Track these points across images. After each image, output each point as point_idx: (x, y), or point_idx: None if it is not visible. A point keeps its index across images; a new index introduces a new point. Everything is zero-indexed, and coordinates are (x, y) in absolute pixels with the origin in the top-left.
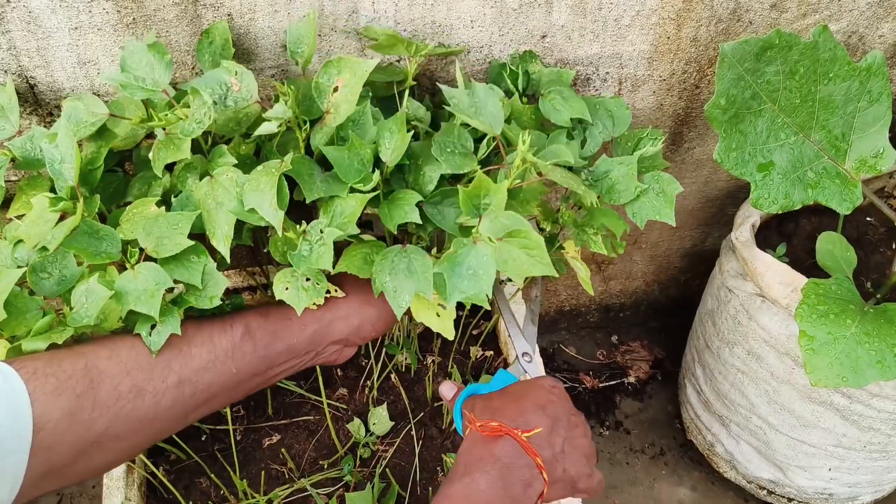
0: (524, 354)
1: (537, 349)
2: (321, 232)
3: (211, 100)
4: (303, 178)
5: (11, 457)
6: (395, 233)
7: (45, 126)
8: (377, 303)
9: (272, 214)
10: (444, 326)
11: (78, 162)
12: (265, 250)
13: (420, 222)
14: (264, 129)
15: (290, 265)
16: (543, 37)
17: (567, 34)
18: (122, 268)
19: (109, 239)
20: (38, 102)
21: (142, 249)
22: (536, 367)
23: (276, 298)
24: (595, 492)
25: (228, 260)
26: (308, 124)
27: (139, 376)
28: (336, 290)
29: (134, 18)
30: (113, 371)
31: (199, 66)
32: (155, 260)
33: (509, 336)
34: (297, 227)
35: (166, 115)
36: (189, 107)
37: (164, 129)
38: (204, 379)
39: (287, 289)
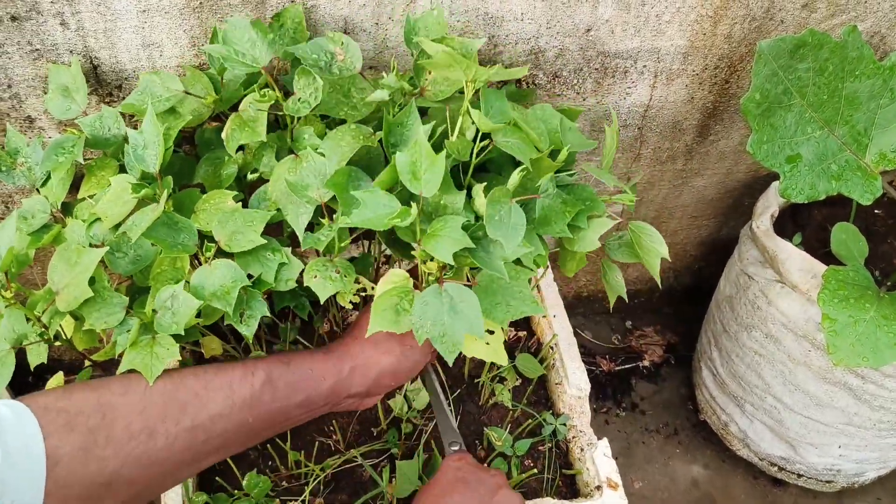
0: (451, 443)
1: (458, 434)
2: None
3: (317, 72)
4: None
5: (25, 495)
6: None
7: (107, 104)
8: (398, 352)
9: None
10: (497, 354)
11: (163, 150)
12: None
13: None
14: (377, 96)
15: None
16: (588, 30)
17: (611, 28)
18: (195, 259)
19: (187, 231)
20: (99, 82)
21: (216, 242)
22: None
23: (304, 285)
24: None
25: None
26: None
27: (152, 416)
28: (371, 287)
29: (200, 3)
30: (126, 408)
31: None
32: (229, 255)
33: (437, 425)
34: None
35: (269, 91)
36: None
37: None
38: (218, 426)
39: (315, 276)
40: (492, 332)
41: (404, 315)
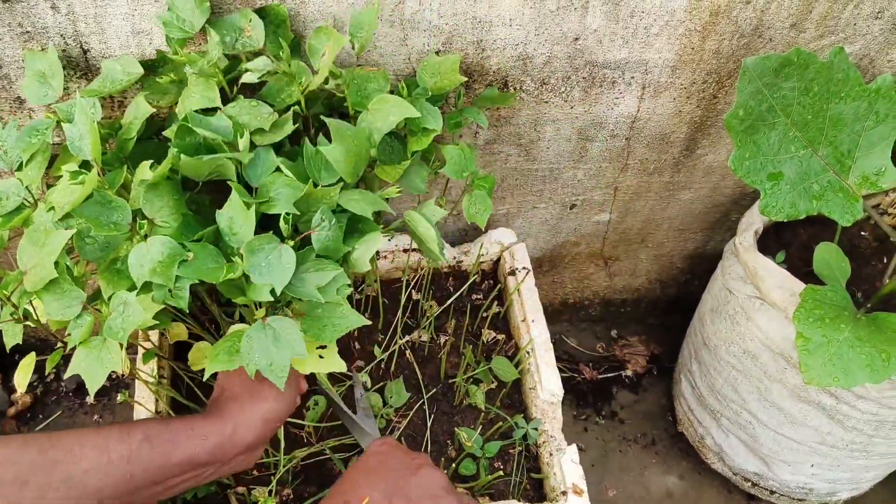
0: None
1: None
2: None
3: (221, 47)
4: None
5: None
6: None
7: None
8: (272, 395)
9: None
10: (332, 363)
11: (95, 138)
12: None
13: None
14: (247, 77)
15: None
16: (576, 39)
17: (599, 38)
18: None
19: (120, 210)
20: (88, 68)
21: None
22: None
23: None
24: None
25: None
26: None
27: (25, 467)
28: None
29: None
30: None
31: None
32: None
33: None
34: None
35: (188, 53)
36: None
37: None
38: (92, 480)
39: None
40: (324, 347)
41: (236, 354)
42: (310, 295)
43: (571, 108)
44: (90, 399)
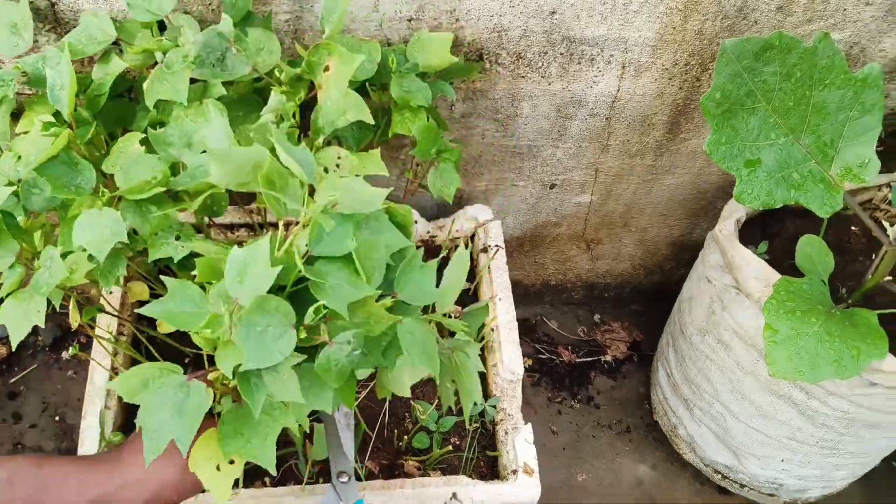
0: (340, 474)
1: (352, 463)
2: None
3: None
4: None
5: None
6: None
7: None
8: (181, 459)
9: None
10: (220, 485)
11: (73, 91)
12: None
13: None
14: (264, 119)
15: None
16: (553, 13)
17: (576, 12)
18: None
19: (85, 174)
20: (57, 21)
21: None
22: (352, 488)
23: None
24: None
25: None
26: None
27: None
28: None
29: None
30: None
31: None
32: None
33: (329, 451)
34: None
35: (161, 40)
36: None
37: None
38: None
39: None
40: (232, 463)
41: (139, 393)
42: (254, 402)
43: (549, 84)
44: (66, 354)
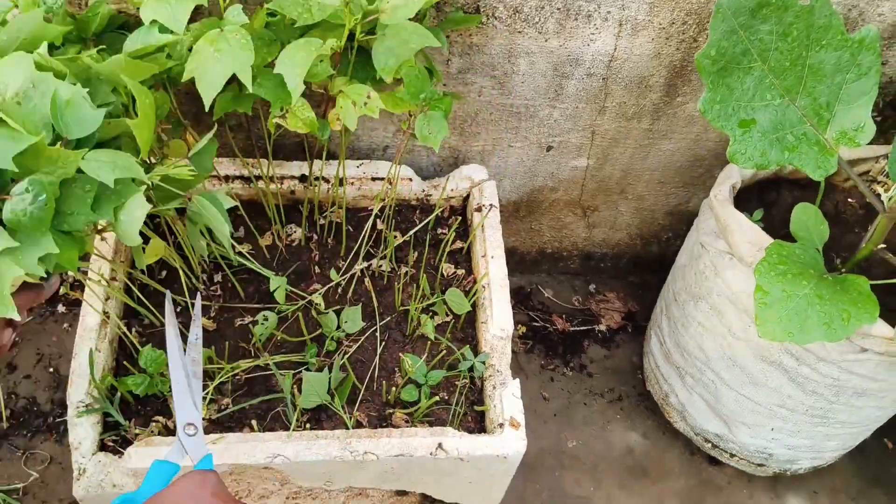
0: (187, 426)
1: (201, 414)
2: None
3: None
4: None
5: None
6: None
7: None
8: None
9: (293, 83)
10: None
11: None
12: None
13: None
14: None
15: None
16: None
17: None
18: None
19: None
20: None
21: None
22: (200, 442)
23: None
24: None
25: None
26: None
27: None
28: None
29: None
30: None
31: None
32: None
33: (172, 399)
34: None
35: None
36: None
37: None
38: None
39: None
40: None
41: None
42: None
43: (546, 40)
44: (61, 308)
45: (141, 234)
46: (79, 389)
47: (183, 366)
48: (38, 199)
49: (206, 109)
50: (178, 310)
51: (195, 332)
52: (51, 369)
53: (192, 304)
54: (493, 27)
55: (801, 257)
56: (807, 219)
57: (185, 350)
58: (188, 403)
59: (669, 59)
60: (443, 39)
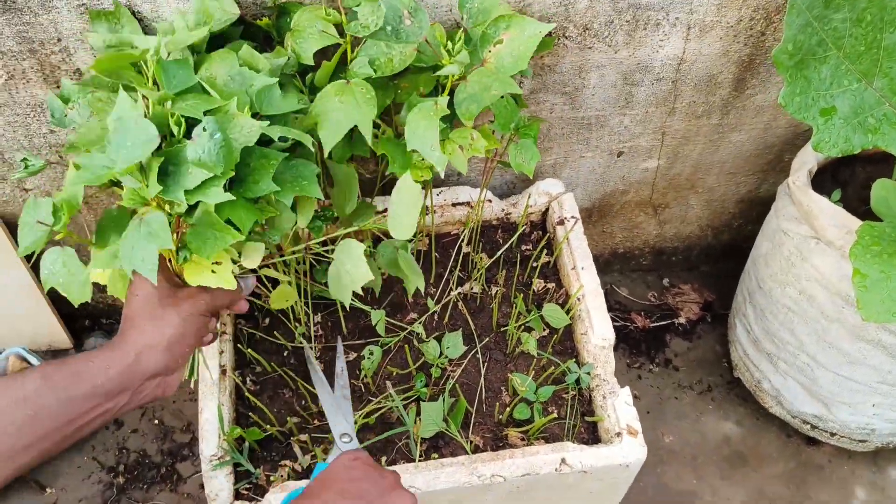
0: (342, 436)
1: (353, 426)
2: None
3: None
4: None
5: None
6: None
7: None
8: (177, 320)
9: (436, 157)
10: (223, 279)
11: None
12: None
13: None
14: (448, 70)
15: None
16: None
17: None
18: None
19: None
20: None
21: None
22: (354, 448)
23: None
24: None
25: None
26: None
27: None
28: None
29: None
30: None
31: None
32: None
33: (325, 415)
34: None
35: (332, 11)
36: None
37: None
38: None
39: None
40: (218, 263)
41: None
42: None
43: (616, 52)
44: None
45: (268, 278)
46: (210, 444)
47: (330, 392)
48: (213, 137)
49: (327, 155)
50: (285, 353)
51: (340, 366)
52: (155, 421)
53: (299, 347)
54: (563, 46)
55: (892, 235)
56: (887, 195)
57: (332, 385)
58: (341, 419)
59: (738, 55)
60: (527, 71)
